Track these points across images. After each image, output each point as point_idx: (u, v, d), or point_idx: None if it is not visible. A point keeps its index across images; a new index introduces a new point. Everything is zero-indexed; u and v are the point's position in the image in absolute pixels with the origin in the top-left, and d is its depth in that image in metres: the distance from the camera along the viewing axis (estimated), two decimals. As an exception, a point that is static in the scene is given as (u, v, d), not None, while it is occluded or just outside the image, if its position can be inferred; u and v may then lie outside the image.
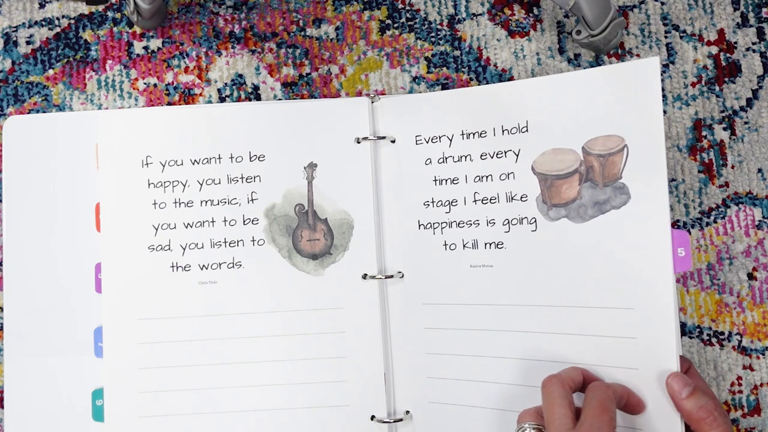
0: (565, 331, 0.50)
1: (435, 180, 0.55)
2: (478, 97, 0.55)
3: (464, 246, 0.54)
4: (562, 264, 0.51)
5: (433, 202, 0.55)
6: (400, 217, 0.56)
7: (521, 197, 0.53)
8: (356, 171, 0.56)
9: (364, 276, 0.55)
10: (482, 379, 0.53)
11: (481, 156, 0.54)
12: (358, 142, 0.56)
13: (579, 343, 0.49)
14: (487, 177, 0.54)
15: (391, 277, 0.55)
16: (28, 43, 0.63)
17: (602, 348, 0.48)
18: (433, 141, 0.55)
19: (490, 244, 0.54)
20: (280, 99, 0.63)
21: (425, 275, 0.55)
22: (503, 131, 0.54)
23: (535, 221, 0.52)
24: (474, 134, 0.55)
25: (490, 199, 0.54)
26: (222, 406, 0.54)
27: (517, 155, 0.53)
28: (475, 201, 0.54)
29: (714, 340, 0.60)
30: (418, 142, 0.56)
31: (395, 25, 0.64)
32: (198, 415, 0.53)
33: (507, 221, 0.53)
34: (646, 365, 0.47)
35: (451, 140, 0.55)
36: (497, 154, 0.54)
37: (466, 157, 0.55)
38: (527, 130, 0.53)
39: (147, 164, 0.56)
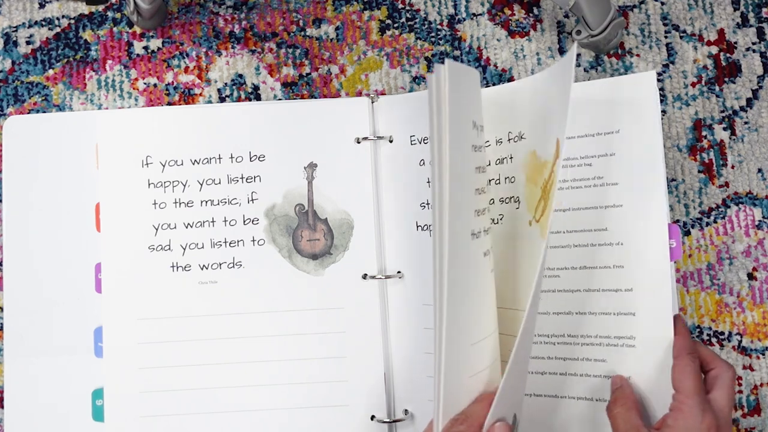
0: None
1: (428, 181, 0.55)
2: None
3: None
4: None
5: (427, 203, 0.54)
6: (399, 217, 0.55)
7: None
8: (356, 171, 0.56)
9: (364, 276, 0.55)
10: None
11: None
12: (358, 142, 0.56)
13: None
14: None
15: (391, 277, 0.55)
16: (28, 43, 0.63)
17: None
18: (425, 142, 0.55)
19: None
20: (280, 99, 0.63)
21: (425, 275, 0.55)
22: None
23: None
24: None
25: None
26: (222, 406, 0.54)
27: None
28: None
29: (714, 340, 0.60)
30: (412, 143, 0.55)
31: (395, 25, 0.64)
32: (198, 415, 0.53)
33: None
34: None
35: None
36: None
37: None
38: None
39: (147, 164, 0.56)
